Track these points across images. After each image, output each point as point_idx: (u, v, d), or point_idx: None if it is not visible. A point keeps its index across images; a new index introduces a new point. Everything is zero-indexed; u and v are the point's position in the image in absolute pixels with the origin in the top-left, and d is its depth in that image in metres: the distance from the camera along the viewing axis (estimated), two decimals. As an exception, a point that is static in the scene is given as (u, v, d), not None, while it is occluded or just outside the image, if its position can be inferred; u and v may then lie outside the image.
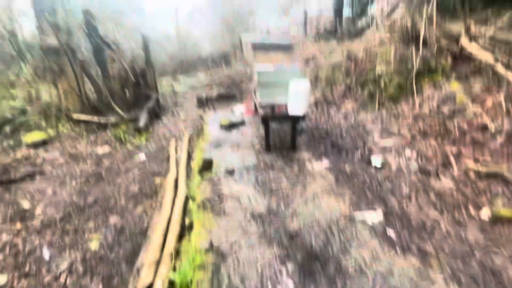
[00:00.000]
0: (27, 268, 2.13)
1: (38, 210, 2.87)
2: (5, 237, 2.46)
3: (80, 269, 2.12)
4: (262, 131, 4.09)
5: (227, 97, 6.63)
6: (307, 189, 2.69)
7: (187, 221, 2.37)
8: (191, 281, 1.67)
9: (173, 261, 1.89)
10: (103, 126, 5.00)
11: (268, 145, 3.48)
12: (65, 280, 2.02)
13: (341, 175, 2.97)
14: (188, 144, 4.07)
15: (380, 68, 4.77)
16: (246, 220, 2.20)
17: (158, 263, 1.93)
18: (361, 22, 7.88)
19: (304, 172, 3.04)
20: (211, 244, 1.92)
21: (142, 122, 5.18)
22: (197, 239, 2.01)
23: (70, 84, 5.18)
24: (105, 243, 2.39)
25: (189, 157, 3.70)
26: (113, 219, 2.73)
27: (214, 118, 4.85)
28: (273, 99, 3.33)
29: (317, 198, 2.51)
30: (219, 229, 2.10)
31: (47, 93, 5.94)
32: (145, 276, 1.82)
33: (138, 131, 4.95)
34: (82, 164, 3.94)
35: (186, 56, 19.09)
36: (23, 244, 2.37)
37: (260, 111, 3.39)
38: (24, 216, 2.78)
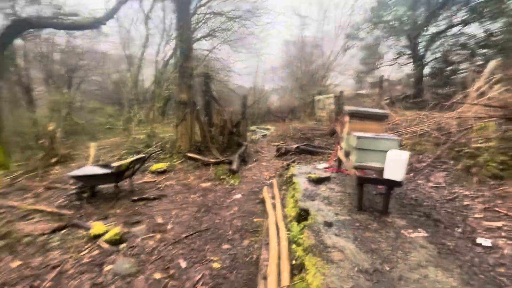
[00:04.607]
0: (171, 271, 2.73)
1: (169, 226, 3.63)
2: (151, 243, 3.20)
3: (210, 283, 2.60)
4: (350, 189, 4.36)
5: (308, 151, 7.18)
6: (409, 256, 2.76)
7: (294, 262, 2.72)
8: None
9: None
10: (206, 165, 6.02)
11: (360, 205, 3.70)
12: (200, 289, 2.52)
13: (443, 248, 2.94)
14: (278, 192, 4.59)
15: (478, 143, 4.68)
16: (354, 272, 2.42)
17: (278, 293, 2.28)
18: (447, 92, 7.88)
19: (401, 238, 3.11)
20: (327, 287, 2.19)
21: (235, 165, 6.04)
22: (313, 280, 2.30)
23: (186, 128, 6.57)
24: (224, 265, 2.88)
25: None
26: (226, 246, 3.26)
27: (299, 171, 5.34)
28: (370, 163, 3.66)
29: (422, 268, 2.56)
30: (331, 275, 2.36)
31: (165, 132, 7.56)
32: (271, 302, 2.17)
33: (232, 172, 5.77)
34: (192, 194, 4.79)
35: (258, 108, 21.26)
36: (165, 252, 3.05)
37: (355, 172, 3.73)
38: (159, 229, 3.55)
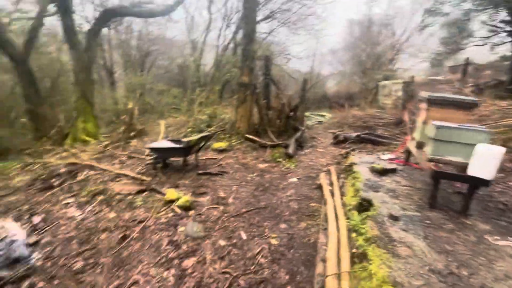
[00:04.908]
0: (233, 241, 2.95)
1: (230, 200, 3.90)
2: (215, 213, 3.50)
3: (269, 256, 2.74)
4: (420, 184, 3.95)
5: (369, 141, 6.71)
6: (494, 265, 2.41)
7: (354, 250, 2.65)
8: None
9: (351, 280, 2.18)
10: (263, 147, 6.18)
11: (433, 202, 3.34)
12: (259, 261, 2.68)
13: (542, 264, 2.48)
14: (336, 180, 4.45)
15: None
16: (425, 270, 2.24)
17: (338, 277, 2.28)
18: None
19: (484, 244, 2.73)
20: (394, 280, 2.09)
21: (291, 149, 6.03)
22: (378, 270, 2.22)
23: (246, 110, 6.78)
24: (282, 243, 2.98)
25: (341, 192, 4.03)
26: (283, 226, 3.35)
27: (360, 160, 5.05)
28: (450, 157, 3.24)
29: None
30: (398, 270, 2.24)
31: (224, 114, 7.94)
32: (331, 286, 2.19)
33: (289, 156, 5.80)
34: (250, 173, 5.01)
35: (313, 93, 20.43)
36: (227, 223, 3.30)
37: (431, 166, 3.35)
38: (222, 202, 3.84)
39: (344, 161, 5.53)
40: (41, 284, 2.15)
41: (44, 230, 2.91)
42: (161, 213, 3.33)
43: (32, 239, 2.70)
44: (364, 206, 3.41)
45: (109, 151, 6.75)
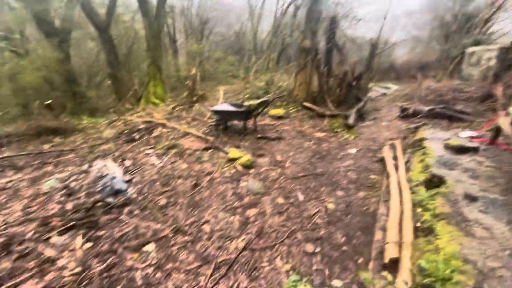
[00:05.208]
0: (291, 200, 3.11)
1: (287, 164, 4.02)
2: (273, 174, 3.68)
3: (325, 218, 2.82)
4: (508, 167, 3.43)
5: (445, 116, 5.91)
6: None
7: (418, 224, 2.54)
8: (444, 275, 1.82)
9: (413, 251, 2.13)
10: (320, 116, 6.01)
11: (525, 187, 2.89)
12: (315, 221, 2.78)
13: None
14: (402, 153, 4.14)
15: None
16: (505, 254, 2.04)
17: (399, 246, 2.24)
18: None
19: None
20: (465, 257, 1.98)
21: (351, 120, 5.74)
22: (446, 245, 2.12)
23: (305, 77, 6.56)
24: (338, 208, 3.02)
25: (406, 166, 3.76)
26: (340, 193, 3.36)
27: (432, 135, 4.54)
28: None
29: None
30: (471, 248, 2.09)
31: (281, 81, 7.83)
32: (391, 252, 2.18)
33: (348, 127, 5.55)
34: (307, 141, 5.00)
35: (377, 63, 18.28)
36: (285, 184, 3.45)
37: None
38: (279, 165, 3.99)
39: (412, 136, 5.05)
40: (137, 211, 2.68)
41: (134, 172, 3.52)
42: (225, 169, 3.65)
43: (126, 177, 3.30)
44: (435, 182, 3.15)
45: (176, 113, 7.45)
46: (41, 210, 2.57)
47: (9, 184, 3.28)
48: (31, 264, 1.99)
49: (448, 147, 3.98)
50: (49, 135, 5.93)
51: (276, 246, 2.37)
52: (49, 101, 6.86)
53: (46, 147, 5.01)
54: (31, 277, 1.91)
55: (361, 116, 6.33)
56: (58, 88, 9.39)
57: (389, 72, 18.77)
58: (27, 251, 2.08)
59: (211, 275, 2.01)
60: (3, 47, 9.78)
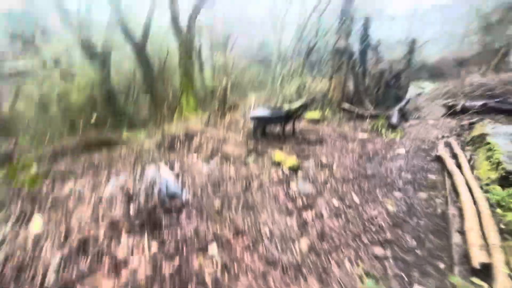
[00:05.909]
0: (347, 202, 2.96)
1: (334, 166, 3.87)
2: (322, 176, 3.55)
3: (388, 221, 2.64)
4: None
5: (499, 111, 5.40)
6: None
7: (503, 227, 2.27)
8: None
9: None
10: (360, 116, 5.79)
11: None
12: (378, 223, 2.61)
13: None
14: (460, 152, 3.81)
15: None
16: None
17: (486, 249, 2.01)
18: None
19: None
20: None
21: (394, 119, 5.45)
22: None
23: (340, 79, 6.41)
24: (400, 210, 2.81)
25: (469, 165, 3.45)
26: (398, 194, 3.14)
27: (494, 130, 4.12)
28: None
29: None
30: None
31: (313, 85, 7.73)
32: (480, 256, 1.95)
33: (392, 127, 5.26)
34: (350, 143, 4.81)
35: (414, 62, 17.29)
36: (336, 186, 3.31)
37: None
38: (326, 167, 3.85)
39: (468, 133, 4.65)
40: (194, 212, 2.71)
41: (184, 176, 3.59)
42: (272, 172, 3.60)
43: (178, 181, 3.38)
44: (509, 180, 2.83)
45: (211, 121, 7.62)
46: (107, 214, 2.69)
47: (73, 191, 3.51)
48: (106, 265, 2.07)
49: (518, 143, 3.59)
50: (96, 147, 6.36)
51: (342, 249, 2.24)
52: (93, 118, 7.41)
53: (96, 157, 5.35)
54: (106, 276, 1.98)
55: (403, 116, 5.99)
56: (99, 106, 10.16)
57: (420, 71, 17.81)
58: (101, 252, 2.17)
59: (280, 278, 1.93)
60: (54, 70, 10.84)
